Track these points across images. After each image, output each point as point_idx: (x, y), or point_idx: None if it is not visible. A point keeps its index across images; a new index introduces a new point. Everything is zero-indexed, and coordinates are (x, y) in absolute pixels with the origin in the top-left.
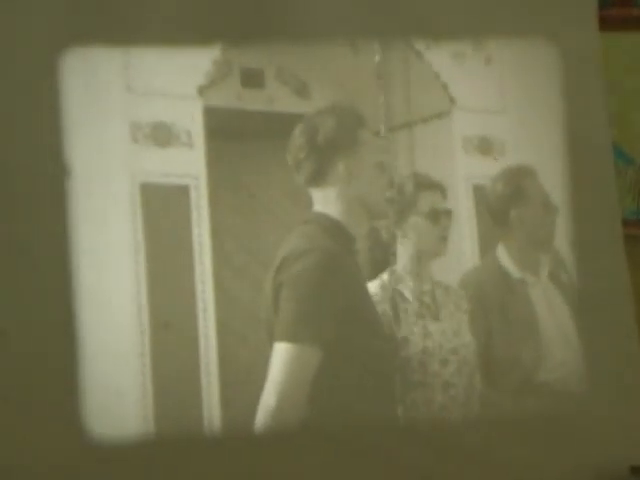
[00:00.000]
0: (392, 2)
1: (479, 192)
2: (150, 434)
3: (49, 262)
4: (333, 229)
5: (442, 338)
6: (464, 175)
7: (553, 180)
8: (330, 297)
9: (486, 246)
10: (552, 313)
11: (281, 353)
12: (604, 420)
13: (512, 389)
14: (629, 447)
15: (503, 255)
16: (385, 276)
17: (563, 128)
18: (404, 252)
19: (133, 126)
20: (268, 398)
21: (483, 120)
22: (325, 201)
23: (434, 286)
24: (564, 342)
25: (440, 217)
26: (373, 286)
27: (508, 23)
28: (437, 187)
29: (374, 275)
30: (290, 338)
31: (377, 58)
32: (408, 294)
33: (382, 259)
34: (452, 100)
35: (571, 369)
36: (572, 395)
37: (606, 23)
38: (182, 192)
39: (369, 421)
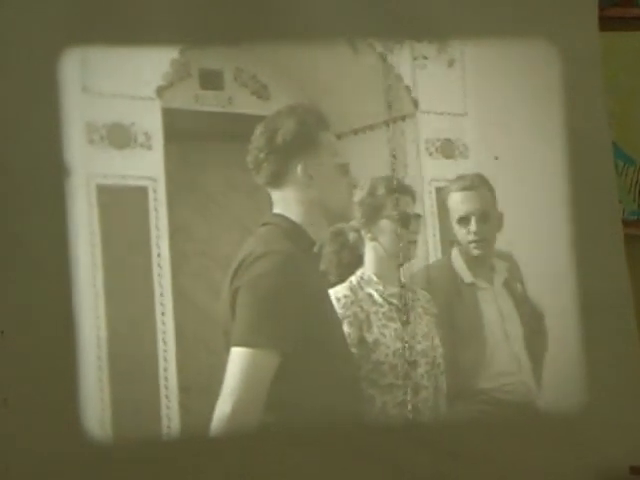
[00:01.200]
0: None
1: (442, 195)
2: (108, 437)
3: (48, 263)
4: (292, 232)
5: (412, 340)
6: (427, 178)
7: (553, 180)
8: (287, 301)
9: (447, 249)
10: (501, 321)
11: (237, 358)
12: (604, 420)
13: (450, 393)
14: (629, 447)
15: (457, 259)
16: (353, 279)
17: (562, 128)
18: (373, 255)
19: (89, 127)
20: (223, 404)
21: (449, 123)
22: (285, 203)
23: (402, 289)
24: (509, 352)
25: (410, 221)
26: (342, 289)
27: (508, 23)
28: (407, 191)
29: (341, 278)
30: (246, 343)
31: (341, 60)
32: (377, 297)
33: (349, 262)
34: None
35: (516, 379)
36: (515, 404)
37: (606, 23)
38: (140, 194)
39: (335, 424)
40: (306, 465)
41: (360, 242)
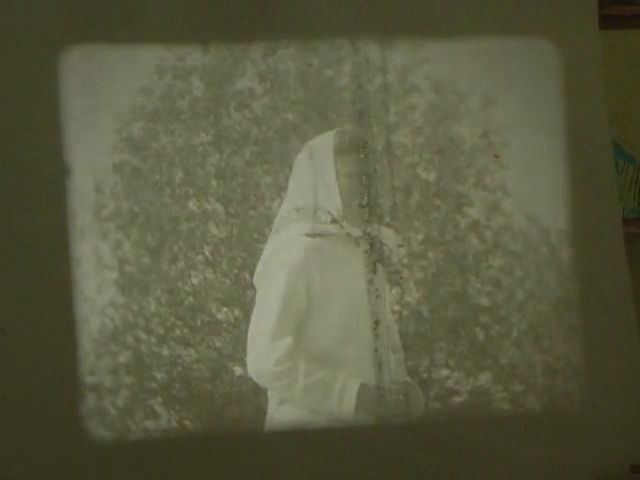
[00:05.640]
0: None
1: None
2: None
3: (49, 262)
4: None
5: None
6: None
7: (553, 179)
8: None
9: None
10: None
11: None
12: (605, 419)
13: None
14: (629, 446)
15: None
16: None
17: (563, 127)
18: None
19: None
20: None
21: None
22: None
23: None
24: None
25: None
26: None
27: (509, 23)
28: None
29: None
30: None
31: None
32: None
33: None
34: None
35: None
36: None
37: (607, 21)
38: None
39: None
40: (308, 464)
41: None
